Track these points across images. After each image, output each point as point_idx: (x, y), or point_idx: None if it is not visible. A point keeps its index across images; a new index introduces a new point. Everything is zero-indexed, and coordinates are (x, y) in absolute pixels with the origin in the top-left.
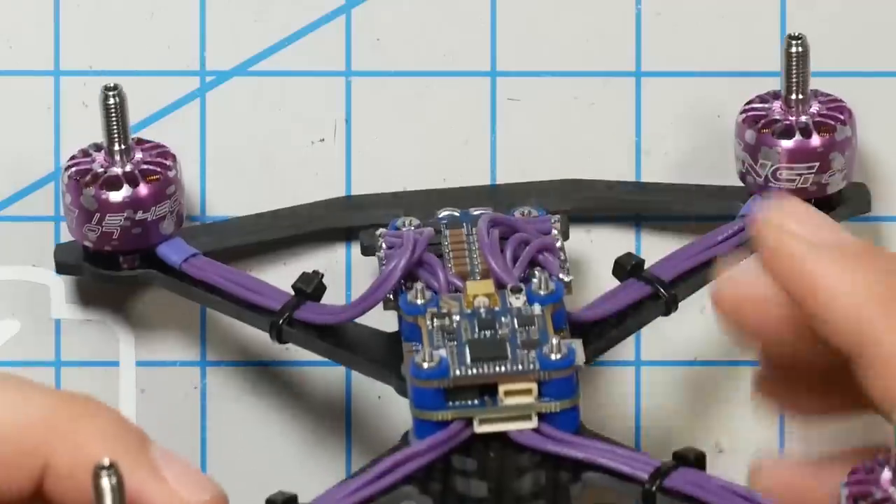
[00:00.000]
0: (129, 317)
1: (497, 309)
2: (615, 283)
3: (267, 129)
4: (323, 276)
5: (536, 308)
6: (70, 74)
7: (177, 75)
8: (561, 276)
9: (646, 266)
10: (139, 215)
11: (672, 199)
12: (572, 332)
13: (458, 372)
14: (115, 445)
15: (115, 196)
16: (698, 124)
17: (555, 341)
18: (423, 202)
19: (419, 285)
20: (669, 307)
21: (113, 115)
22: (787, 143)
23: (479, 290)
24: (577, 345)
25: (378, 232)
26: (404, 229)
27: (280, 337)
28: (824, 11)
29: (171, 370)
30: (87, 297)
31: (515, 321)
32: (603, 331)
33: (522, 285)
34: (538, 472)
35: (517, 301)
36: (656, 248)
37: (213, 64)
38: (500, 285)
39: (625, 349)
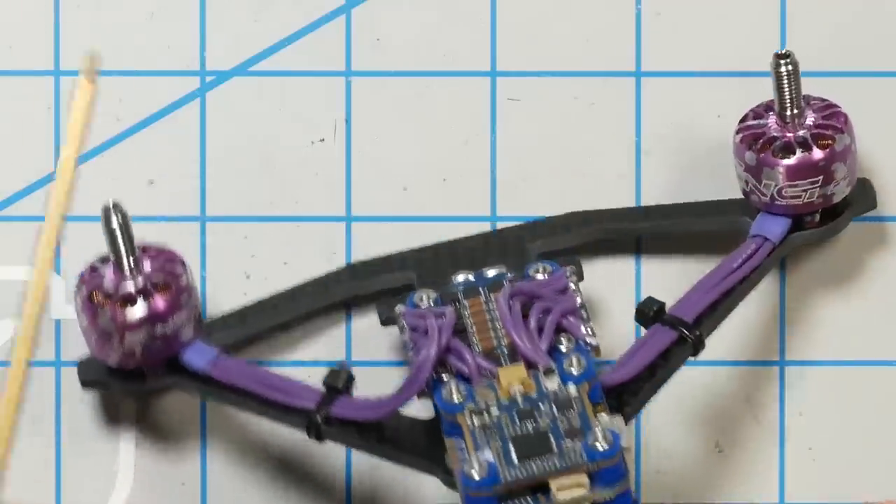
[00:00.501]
0: None
1: (533, 395)
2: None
3: (267, 129)
4: (350, 368)
5: (572, 389)
6: (70, 74)
7: (177, 75)
8: (588, 340)
9: (666, 308)
10: (158, 330)
11: (676, 221)
12: (607, 395)
13: (508, 476)
14: None
15: (132, 314)
16: (698, 124)
17: (599, 432)
18: (430, 263)
19: (452, 383)
20: (697, 348)
21: (118, 234)
22: (788, 161)
23: (513, 378)
24: (619, 423)
25: (397, 310)
26: (422, 305)
27: (319, 436)
28: (824, 12)
29: None
30: None
31: (554, 407)
32: (637, 388)
33: (554, 366)
34: None
35: (551, 384)
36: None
37: (213, 64)
38: (530, 363)
39: (624, 346)
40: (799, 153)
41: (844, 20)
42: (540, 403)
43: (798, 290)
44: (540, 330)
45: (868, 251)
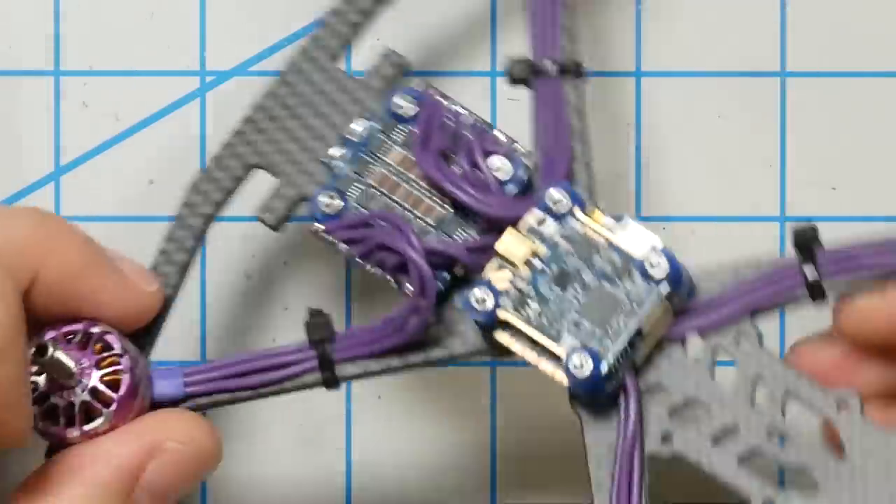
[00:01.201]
0: None
1: (546, 252)
2: None
3: None
4: (326, 314)
5: (574, 224)
6: (70, 74)
7: (177, 75)
8: (516, 147)
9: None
10: (136, 402)
11: None
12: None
13: (611, 361)
14: (88, 252)
15: (105, 417)
16: (698, 124)
17: (647, 259)
18: (267, 142)
19: (475, 292)
20: (581, 72)
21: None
22: None
23: (516, 250)
24: (647, 233)
25: (315, 228)
26: (330, 210)
27: (336, 384)
28: (824, 12)
29: None
30: None
31: (575, 251)
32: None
33: (540, 212)
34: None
35: (550, 228)
36: None
37: (213, 64)
38: (495, 221)
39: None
40: None
41: (844, 20)
42: (560, 253)
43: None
44: (474, 164)
45: None
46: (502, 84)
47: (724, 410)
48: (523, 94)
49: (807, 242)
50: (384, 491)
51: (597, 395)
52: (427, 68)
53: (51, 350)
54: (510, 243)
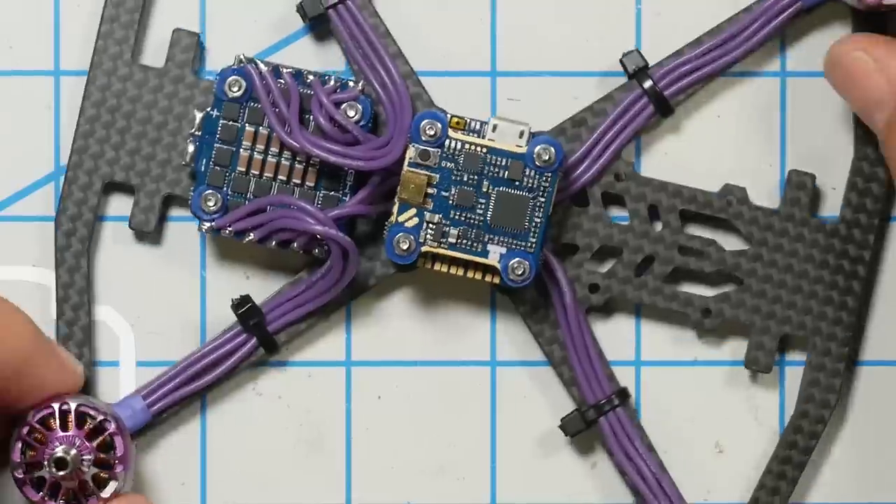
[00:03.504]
0: (128, 317)
1: (441, 182)
2: None
3: None
4: (250, 299)
5: (451, 143)
6: (70, 74)
7: None
8: (351, 83)
9: None
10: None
11: None
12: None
13: (539, 255)
14: (36, 334)
15: (116, 485)
16: (698, 124)
17: (540, 151)
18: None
19: (397, 242)
20: None
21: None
22: None
23: (413, 189)
24: (514, 123)
25: (204, 228)
26: (212, 207)
27: (278, 349)
28: (823, 13)
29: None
30: (87, 297)
31: (464, 167)
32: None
33: (419, 146)
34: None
35: (433, 156)
36: None
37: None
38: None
39: (625, 349)
40: None
41: (842, 20)
42: (457, 177)
43: None
44: (331, 120)
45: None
46: (502, 84)
47: (634, 246)
48: (523, 94)
49: (637, 66)
50: (384, 491)
51: (529, 286)
52: (427, 68)
53: (69, 460)
54: (413, 182)
